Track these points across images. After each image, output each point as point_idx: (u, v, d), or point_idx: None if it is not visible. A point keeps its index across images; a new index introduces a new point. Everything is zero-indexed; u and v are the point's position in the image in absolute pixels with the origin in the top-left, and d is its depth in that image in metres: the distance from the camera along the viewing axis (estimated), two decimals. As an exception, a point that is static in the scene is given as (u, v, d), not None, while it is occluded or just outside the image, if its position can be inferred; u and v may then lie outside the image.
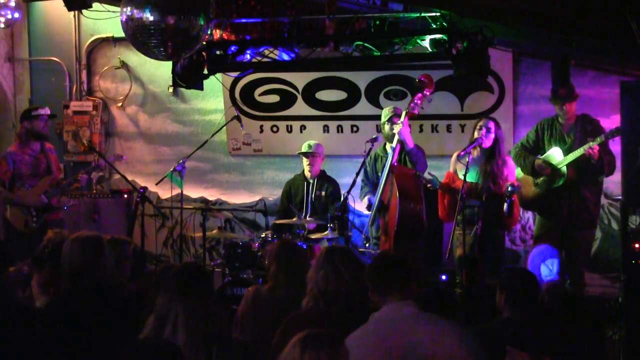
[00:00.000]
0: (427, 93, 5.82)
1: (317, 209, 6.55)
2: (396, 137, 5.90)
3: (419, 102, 5.84)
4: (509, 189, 5.53)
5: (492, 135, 5.74)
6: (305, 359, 2.29)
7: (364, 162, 6.06)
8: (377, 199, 5.96)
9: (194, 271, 2.98)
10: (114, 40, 7.88)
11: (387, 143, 6.12)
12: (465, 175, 5.49)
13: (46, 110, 6.50)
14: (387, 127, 6.06)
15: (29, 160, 6.36)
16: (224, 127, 7.20)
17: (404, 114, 5.90)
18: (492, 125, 5.76)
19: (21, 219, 6.24)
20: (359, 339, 2.82)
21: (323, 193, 6.59)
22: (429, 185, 5.84)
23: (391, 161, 5.90)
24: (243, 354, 2.84)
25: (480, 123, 5.81)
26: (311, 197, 6.60)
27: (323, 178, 6.70)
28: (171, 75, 5.60)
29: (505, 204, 5.54)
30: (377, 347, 2.80)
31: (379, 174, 6.09)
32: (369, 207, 6.13)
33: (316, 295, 3.27)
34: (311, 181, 6.66)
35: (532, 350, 2.44)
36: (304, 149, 6.63)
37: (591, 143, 5.51)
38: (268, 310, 3.73)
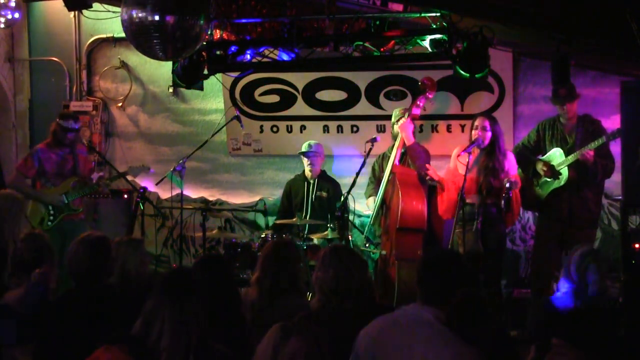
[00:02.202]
0: (430, 96, 5.92)
1: (317, 209, 6.55)
2: (399, 135, 5.94)
3: (420, 104, 5.92)
4: (507, 185, 5.54)
5: (489, 133, 5.75)
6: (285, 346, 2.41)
7: (364, 162, 6.08)
8: (380, 198, 5.98)
9: (183, 277, 2.98)
10: (114, 40, 7.88)
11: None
12: (465, 175, 5.50)
13: (72, 125, 6.37)
14: (395, 127, 6.10)
15: (55, 159, 6.37)
16: (224, 127, 7.20)
17: (405, 115, 5.96)
18: (486, 123, 5.76)
19: (38, 215, 6.26)
20: (374, 328, 2.86)
21: (324, 194, 6.59)
22: (427, 178, 5.85)
23: (394, 161, 5.92)
24: None
25: (476, 123, 5.80)
26: (311, 198, 6.61)
27: (324, 179, 6.70)
28: (171, 75, 5.60)
29: (502, 199, 5.54)
30: (382, 343, 2.81)
31: (384, 169, 6.14)
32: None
33: (327, 295, 3.33)
34: (312, 181, 6.67)
35: (582, 346, 2.34)
36: (304, 148, 6.64)
37: (585, 147, 5.53)
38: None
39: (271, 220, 7.10)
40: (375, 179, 6.35)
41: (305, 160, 6.67)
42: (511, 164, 5.81)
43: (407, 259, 5.63)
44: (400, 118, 6.06)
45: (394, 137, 6.13)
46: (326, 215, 6.31)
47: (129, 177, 6.66)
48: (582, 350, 2.35)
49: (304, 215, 6.51)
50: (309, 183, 6.68)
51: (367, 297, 3.38)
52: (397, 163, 5.99)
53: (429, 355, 2.65)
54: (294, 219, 6.34)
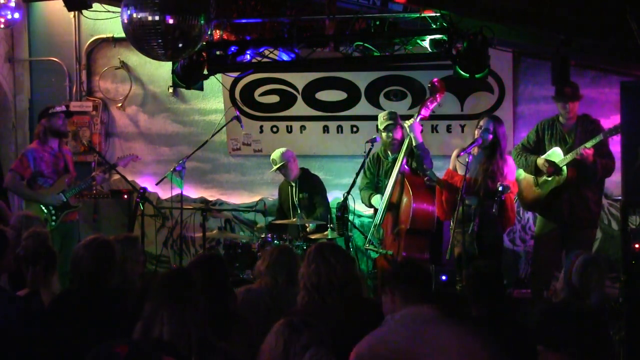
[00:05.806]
0: (439, 98, 5.88)
1: (303, 210, 6.57)
2: (407, 138, 5.93)
3: (431, 105, 5.90)
4: (500, 188, 5.54)
5: (491, 136, 5.75)
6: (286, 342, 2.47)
7: (364, 162, 6.07)
8: (386, 200, 5.94)
9: (181, 278, 2.97)
10: (114, 40, 7.88)
11: (386, 149, 6.14)
12: (465, 174, 5.50)
13: (62, 107, 6.57)
14: (383, 134, 6.08)
15: (49, 158, 6.40)
16: (224, 128, 7.20)
17: (414, 116, 5.94)
18: (491, 125, 5.76)
19: (41, 217, 6.24)
20: (382, 340, 2.83)
21: (306, 195, 6.61)
22: (425, 179, 5.85)
23: (401, 164, 5.90)
24: None
25: (481, 123, 5.82)
26: (296, 200, 6.63)
27: (304, 179, 6.72)
28: (171, 75, 5.60)
29: (495, 204, 5.55)
30: (402, 350, 2.79)
31: (379, 173, 6.12)
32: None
33: (309, 290, 3.37)
34: (293, 184, 6.69)
35: (566, 350, 2.36)
36: (273, 166, 6.66)
37: (585, 145, 5.52)
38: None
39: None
40: (370, 175, 6.30)
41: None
42: (510, 169, 5.81)
43: (416, 259, 5.65)
44: (388, 126, 6.06)
45: (384, 144, 6.11)
46: (314, 213, 6.36)
47: (119, 169, 6.73)
48: (566, 354, 2.37)
49: (292, 217, 6.51)
50: (292, 186, 6.71)
51: (353, 292, 3.39)
52: (405, 165, 5.97)
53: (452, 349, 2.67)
54: (294, 219, 6.34)
